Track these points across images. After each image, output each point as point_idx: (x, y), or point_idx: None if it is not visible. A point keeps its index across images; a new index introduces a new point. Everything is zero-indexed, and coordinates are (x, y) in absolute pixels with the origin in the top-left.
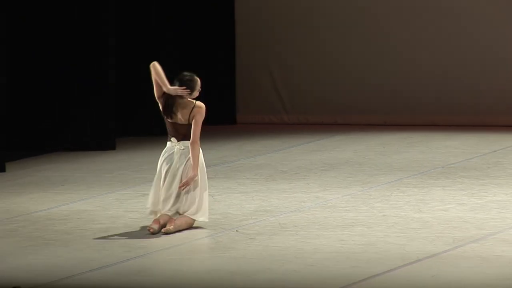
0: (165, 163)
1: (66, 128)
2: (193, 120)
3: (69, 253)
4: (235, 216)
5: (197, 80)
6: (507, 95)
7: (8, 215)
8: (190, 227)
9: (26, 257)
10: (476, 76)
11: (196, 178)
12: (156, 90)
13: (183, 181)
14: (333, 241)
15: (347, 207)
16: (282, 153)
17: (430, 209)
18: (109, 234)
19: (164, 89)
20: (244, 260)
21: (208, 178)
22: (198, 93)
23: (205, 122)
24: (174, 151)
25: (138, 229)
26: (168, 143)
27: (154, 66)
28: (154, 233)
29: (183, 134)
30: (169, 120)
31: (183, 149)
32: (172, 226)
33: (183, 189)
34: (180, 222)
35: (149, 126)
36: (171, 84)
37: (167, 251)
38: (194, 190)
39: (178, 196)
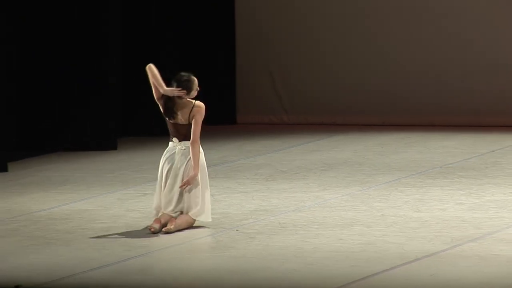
0: (166, 163)
1: (66, 128)
2: (193, 120)
3: (70, 252)
4: (235, 215)
5: (194, 80)
6: (506, 95)
7: (10, 214)
8: (190, 226)
9: (27, 256)
10: (475, 76)
11: (197, 177)
12: (155, 92)
13: (184, 180)
14: (333, 240)
15: (346, 207)
16: (281, 153)
17: (429, 209)
18: (110, 233)
19: (161, 91)
20: (244, 259)
21: (208, 178)
22: (196, 92)
23: (206, 122)
24: (175, 151)
25: (139, 228)
26: (170, 143)
27: (150, 68)
28: (155, 233)
29: (184, 134)
30: (170, 121)
31: (184, 149)
32: (172, 226)
33: (184, 188)
34: (180, 221)
35: (149, 126)
36: (169, 85)
37: (168, 250)
38: (196, 190)
39: (181, 196)
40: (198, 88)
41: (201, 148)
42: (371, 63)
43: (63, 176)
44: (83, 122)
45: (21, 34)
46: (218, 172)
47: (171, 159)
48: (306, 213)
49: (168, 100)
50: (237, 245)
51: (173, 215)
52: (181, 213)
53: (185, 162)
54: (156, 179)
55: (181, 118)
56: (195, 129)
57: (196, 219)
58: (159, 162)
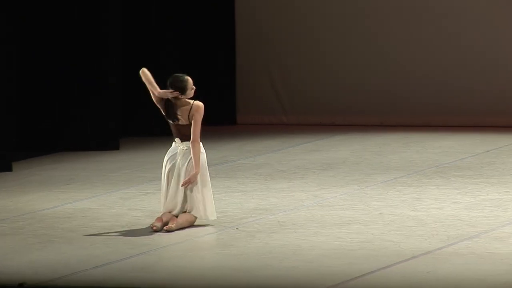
0: (168, 162)
1: (67, 129)
2: (193, 120)
3: (73, 250)
4: (236, 214)
5: (187, 80)
6: (505, 95)
7: (14, 213)
8: (191, 225)
9: (31, 254)
10: (474, 77)
11: (198, 176)
12: (153, 96)
13: (185, 179)
14: (331, 238)
15: (345, 206)
16: (281, 153)
17: (425, 208)
18: (113, 231)
19: (155, 93)
20: (244, 257)
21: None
22: (193, 91)
23: (206, 123)
24: (177, 152)
25: (141, 227)
26: (173, 143)
27: (143, 72)
28: (157, 231)
29: (185, 134)
30: (172, 122)
31: (186, 149)
32: (174, 224)
33: (185, 187)
34: (181, 220)
35: (149, 126)
36: (165, 87)
37: (170, 248)
38: (198, 189)
39: (185, 197)
40: (194, 87)
41: (202, 149)
42: (371, 63)
43: (67, 175)
44: (83, 122)
45: (21, 34)
46: (218, 171)
47: (173, 159)
48: (305, 211)
49: (167, 103)
50: (237, 243)
51: (175, 213)
52: (184, 212)
53: (186, 162)
54: (159, 178)
55: (181, 118)
56: (195, 128)
57: (201, 218)
58: (161, 161)
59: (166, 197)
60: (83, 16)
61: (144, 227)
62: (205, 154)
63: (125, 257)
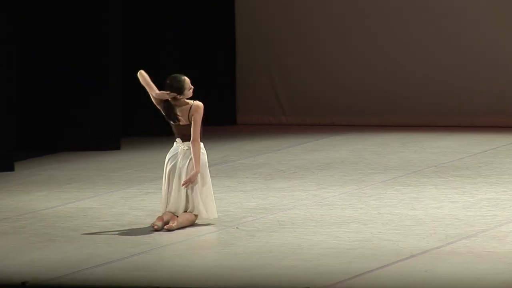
0: (169, 162)
1: (67, 129)
2: (192, 119)
3: (75, 249)
4: (236, 213)
5: (184, 80)
6: (505, 95)
7: (16, 212)
8: (192, 224)
9: (33, 253)
10: (474, 77)
11: (199, 176)
12: (152, 98)
13: (185, 178)
14: (330, 237)
15: (343, 205)
16: (280, 153)
17: (424, 207)
18: (114, 231)
19: (153, 95)
20: (245, 255)
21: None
22: (191, 91)
23: (207, 123)
24: (178, 152)
25: (142, 226)
26: (174, 143)
27: (141, 74)
28: (158, 230)
29: (186, 134)
30: (172, 123)
31: (187, 149)
32: (174, 224)
33: (186, 186)
34: (182, 219)
35: (149, 126)
36: (164, 87)
37: (171, 247)
38: (199, 188)
39: (186, 196)
40: (192, 87)
41: (203, 149)
42: (371, 63)
43: (68, 175)
44: (84, 122)
45: (21, 34)
46: (219, 171)
47: (173, 159)
48: (304, 211)
49: (166, 104)
50: (238, 242)
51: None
52: (185, 211)
53: (187, 162)
54: (159, 178)
55: (181, 119)
56: (195, 128)
57: (201, 217)
58: (162, 161)
59: (167, 197)
60: (83, 16)
61: (145, 226)
62: (205, 154)
63: (126, 256)
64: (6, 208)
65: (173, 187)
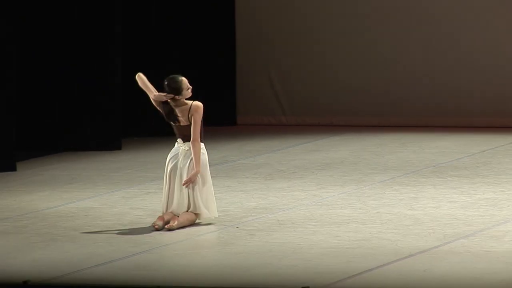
0: (170, 162)
1: (71, 129)
2: (192, 119)
3: (76, 249)
4: (236, 213)
5: (181, 80)
6: (499, 97)
7: (18, 212)
8: (192, 223)
9: (35, 253)
10: (470, 78)
11: (199, 175)
12: (152, 101)
13: (186, 178)
14: (329, 237)
15: (343, 205)
16: (280, 153)
17: (422, 207)
18: (115, 230)
19: (152, 97)
20: (245, 255)
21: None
22: (189, 91)
23: (207, 123)
24: (179, 152)
25: (143, 225)
26: (176, 144)
27: (139, 77)
28: (159, 229)
29: (186, 135)
30: (173, 124)
31: (188, 149)
32: (175, 223)
33: (186, 186)
34: (182, 219)
35: (149, 126)
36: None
37: (171, 246)
38: (199, 188)
39: (189, 196)
40: (190, 87)
41: (204, 149)
42: (370, 64)
43: (69, 175)
44: (85, 123)
45: (21, 34)
46: (219, 171)
47: (174, 159)
48: (304, 210)
49: (166, 105)
50: (238, 242)
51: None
52: (186, 210)
53: (188, 162)
54: (160, 178)
55: (181, 119)
56: (195, 128)
57: (202, 216)
58: (162, 161)
59: (168, 197)
60: (83, 16)
61: (146, 225)
62: (206, 154)
63: (127, 255)
64: (8, 208)
65: (175, 188)
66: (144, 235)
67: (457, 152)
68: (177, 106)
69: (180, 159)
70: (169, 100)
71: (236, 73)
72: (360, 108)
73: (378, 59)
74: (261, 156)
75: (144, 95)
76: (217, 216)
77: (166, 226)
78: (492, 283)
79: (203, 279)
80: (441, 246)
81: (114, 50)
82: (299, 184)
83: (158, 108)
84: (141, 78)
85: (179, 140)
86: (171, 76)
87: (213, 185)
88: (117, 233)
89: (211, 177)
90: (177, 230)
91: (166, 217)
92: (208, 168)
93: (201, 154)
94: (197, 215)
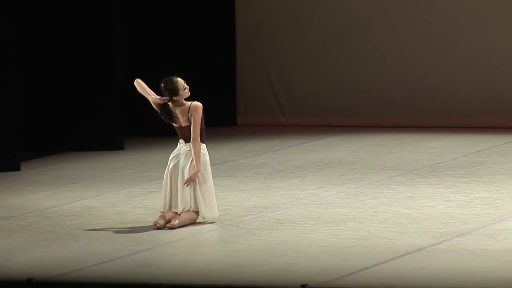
0: (171, 162)
1: (73, 129)
2: (191, 119)
3: (79, 247)
4: (236, 212)
5: (177, 81)
6: (495, 98)
7: (22, 211)
8: (193, 222)
9: (38, 251)
10: (466, 80)
11: (200, 175)
12: (152, 105)
13: (187, 177)
14: (328, 235)
15: (341, 204)
16: (280, 153)
17: (419, 206)
18: (118, 229)
19: (150, 99)
20: (245, 253)
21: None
22: (186, 91)
23: (208, 124)
24: (180, 152)
25: (145, 224)
26: (178, 144)
27: (137, 82)
28: (160, 228)
29: (187, 135)
30: (175, 125)
31: (189, 150)
32: (176, 222)
33: (187, 185)
34: (184, 218)
35: (149, 126)
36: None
37: (173, 245)
38: (200, 187)
39: (190, 196)
40: (187, 87)
41: (205, 150)
42: (369, 64)
43: (74, 174)
44: (87, 123)
45: (21, 34)
46: (219, 171)
47: (175, 158)
48: (303, 209)
49: (164, 108)
50: (238, 240)
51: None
52: (187, 210)
53: (189, 162)
54: (162, 177)
55: (182, 120)
56: (195, 128)
57: (203, 215)
58: (164, 161)
59: (169, 196)
60: (83, 16)
61: (148, 224)
62: (207, 154)
63: (129, 254)
64: (12, 207)
65: (178, 187)
66: (146, 233)
67: (454, 152)
68: (176, 107)
69: (182, 159)
70: (168, 102)
71: (236, 73)
72: (359, 109)
73: (377, 60)
74: (261, 156)
75: (144, 96)
76: (217, 215)
77: (167, 225)
78: (488, 280)
79: (204, 277)
80: (437, 244)
81: (114, 50)
82: (298, 183)
83: (158, 111)
84: (139, 84)
85: (181, 140)
86: (167, 78)
87: (214, 184)
88: (120, 232)
89: (212, 176)
90: (178, 229)
91: (168, 216)
92: (210, 169)
93: (202, 154)
94: (197, 214)
